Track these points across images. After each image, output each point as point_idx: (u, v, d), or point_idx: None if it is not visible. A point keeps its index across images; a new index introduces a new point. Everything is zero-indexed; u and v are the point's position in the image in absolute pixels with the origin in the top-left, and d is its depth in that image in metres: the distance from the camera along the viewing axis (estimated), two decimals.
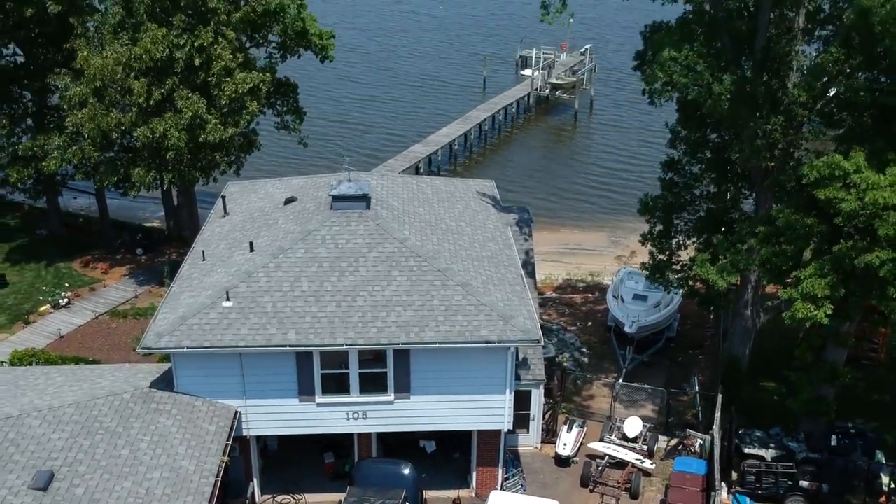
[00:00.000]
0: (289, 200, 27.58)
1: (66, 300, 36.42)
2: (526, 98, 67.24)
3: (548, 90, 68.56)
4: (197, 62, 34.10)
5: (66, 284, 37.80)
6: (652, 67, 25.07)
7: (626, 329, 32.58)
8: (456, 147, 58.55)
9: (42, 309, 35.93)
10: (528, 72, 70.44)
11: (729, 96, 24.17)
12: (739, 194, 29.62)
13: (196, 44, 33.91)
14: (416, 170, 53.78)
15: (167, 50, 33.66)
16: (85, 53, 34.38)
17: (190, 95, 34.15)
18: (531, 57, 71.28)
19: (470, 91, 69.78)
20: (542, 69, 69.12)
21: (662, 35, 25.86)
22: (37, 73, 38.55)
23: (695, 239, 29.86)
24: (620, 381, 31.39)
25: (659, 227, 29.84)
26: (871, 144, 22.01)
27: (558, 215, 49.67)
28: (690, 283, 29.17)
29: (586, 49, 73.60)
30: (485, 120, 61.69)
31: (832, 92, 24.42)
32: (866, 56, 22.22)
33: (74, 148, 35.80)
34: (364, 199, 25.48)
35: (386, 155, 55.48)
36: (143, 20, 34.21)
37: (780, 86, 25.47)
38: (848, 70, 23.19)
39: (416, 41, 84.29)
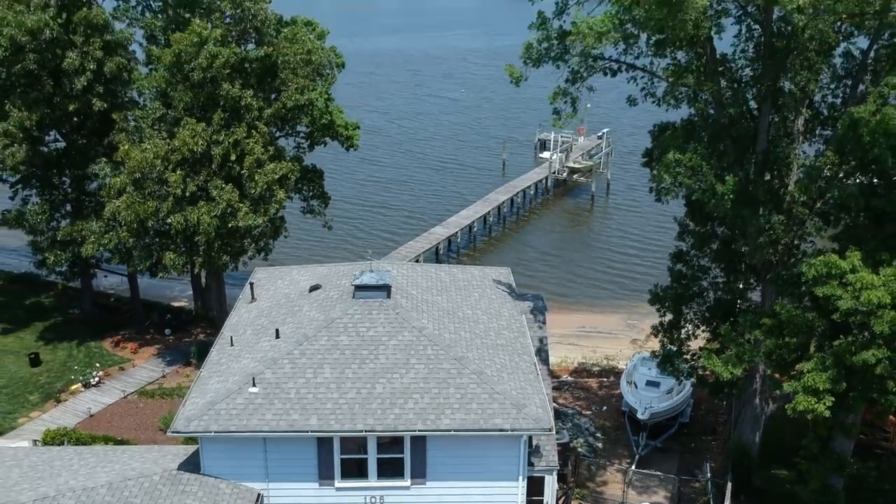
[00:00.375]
0: (313, 288, 28.88)
1: (96, 379, 37.70)
2: (544, 181, 69.04)
3: (565, 173, 70.29)
4: (233, 157, 36.05)
5: (97, 364, 39.15)
6: (658, 168, 26.43)
7: (639, 416, 33.23)
8: (475, 229, 59.99)
9: (73, 388, 37.21)
10: (546, 154, 72.35)
11: (732, 196, 25.38)
12: (747, 285, 30.59)
13: (231, 140, 35.89)
14: (436, 251, 55.12)
15: (205, 144, 35.65)
16: (126, 147, 36.40)
17: (223, 186, 35.95)
18: (549, 140, 73.35)
19: (489, 174, 71.64)
20: (560, 152, 71.04)
21: (668, 137, 27.29)
22: (77, 162, 40.57)
23: (704, 328, 30.74)
24: (633, 467, 31.93)
25: (669, 317, 30.78)
26: (865, 244, 23.07)
27: (574, 299, 50.48)
28: (700, 372, 29.96)
29: (603, 133, 75.56)
30: (503, 202, 63.29)
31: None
32: (858, 162, 23.49)
33: (111, 234, 37.56)
34: (385, 289, 26.75)
35: (406, 237, 56.96)
36: (182, 115, 36.34)
37: (781, 185, 26.68)
38: (842, 174, 24.44)
39: (437, 124, 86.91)
